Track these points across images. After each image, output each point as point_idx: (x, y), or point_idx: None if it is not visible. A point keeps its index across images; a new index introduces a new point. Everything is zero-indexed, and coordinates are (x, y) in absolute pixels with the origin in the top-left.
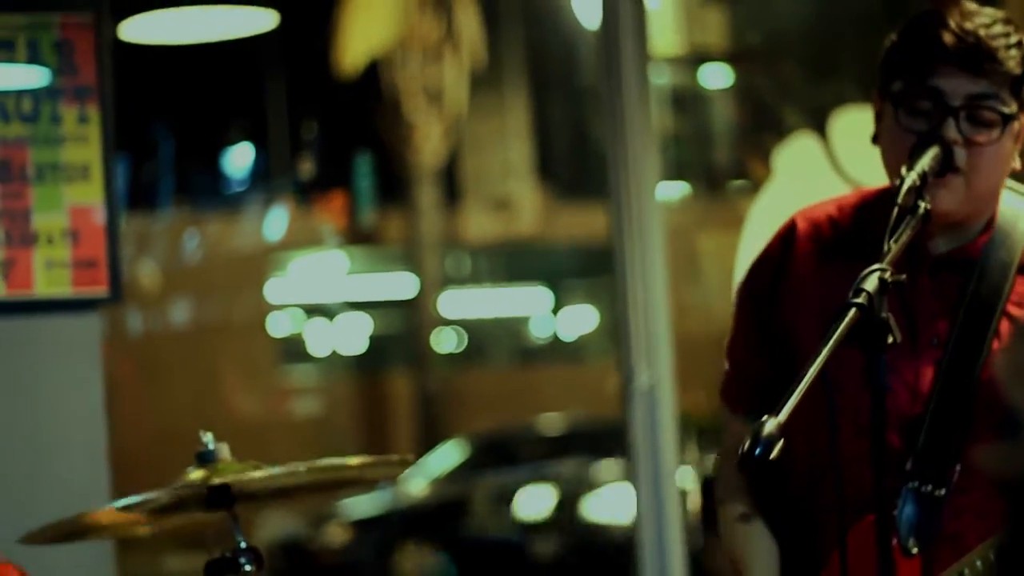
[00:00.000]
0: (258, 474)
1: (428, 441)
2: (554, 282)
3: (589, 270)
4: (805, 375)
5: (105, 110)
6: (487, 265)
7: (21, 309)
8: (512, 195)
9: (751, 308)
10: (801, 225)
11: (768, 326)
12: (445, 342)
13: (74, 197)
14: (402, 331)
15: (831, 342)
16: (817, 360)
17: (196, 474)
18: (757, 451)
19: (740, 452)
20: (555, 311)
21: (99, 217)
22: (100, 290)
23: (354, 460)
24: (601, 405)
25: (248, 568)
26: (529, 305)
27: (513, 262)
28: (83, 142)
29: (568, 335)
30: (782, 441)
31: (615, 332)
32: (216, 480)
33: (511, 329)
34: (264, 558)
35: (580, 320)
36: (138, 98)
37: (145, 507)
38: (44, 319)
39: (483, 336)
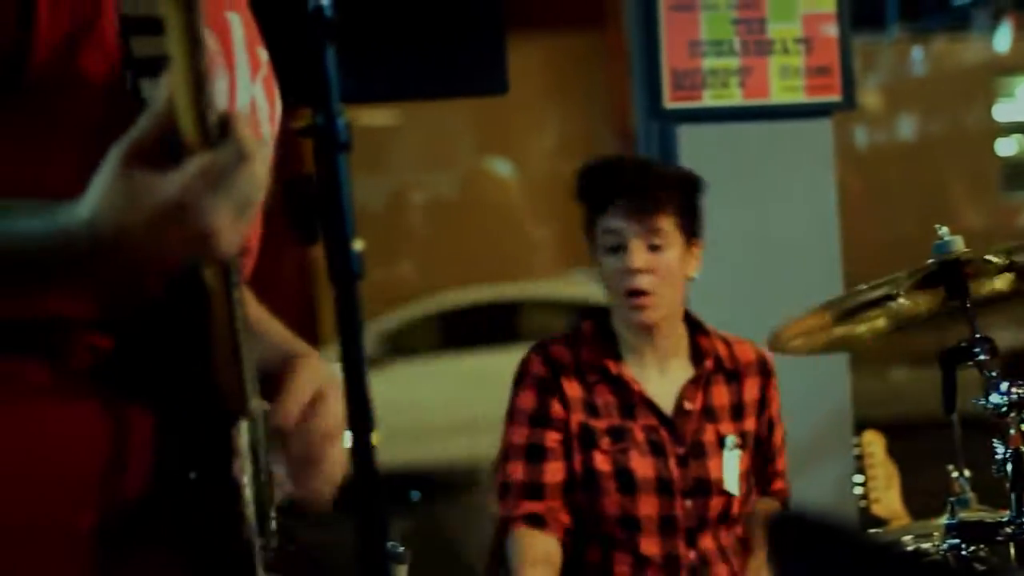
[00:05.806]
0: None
1: None
2: None
3: None
4: None
5: None
6: None
7: (757, 115)
8: None
9: None
10: None
11: None
12: None
13: (807, 5)
14: None
15: None
16: None
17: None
18: None
19: None
20: None
21: (831, 25)
22: (833, 96)
23: None
24: None
25: (983, 358)
26: None
27: None
28: None
29: None
30: None
31: None
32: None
33: None
34: (999, 350)
35: None
36: None
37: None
38: (779, 125)
39: None
